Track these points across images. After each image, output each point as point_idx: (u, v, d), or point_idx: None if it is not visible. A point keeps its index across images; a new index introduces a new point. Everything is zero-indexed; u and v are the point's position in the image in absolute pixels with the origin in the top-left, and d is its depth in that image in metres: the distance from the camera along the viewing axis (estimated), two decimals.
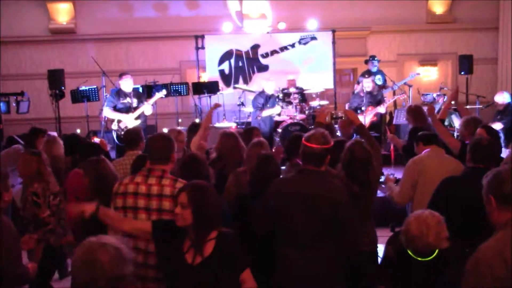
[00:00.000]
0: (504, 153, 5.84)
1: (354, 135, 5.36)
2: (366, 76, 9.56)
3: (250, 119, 9.33)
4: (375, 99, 9.17)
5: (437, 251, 2.85)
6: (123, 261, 2.14)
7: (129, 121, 7.78)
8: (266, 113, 8.90)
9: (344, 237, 3.17)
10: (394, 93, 10.13)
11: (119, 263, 2.13)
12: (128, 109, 7.83)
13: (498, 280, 2.21)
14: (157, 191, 3.25)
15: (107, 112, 7.95)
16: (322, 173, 3.26)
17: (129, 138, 5.25)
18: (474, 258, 2.31)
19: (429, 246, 2.84)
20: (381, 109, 9.08)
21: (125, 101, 7.87)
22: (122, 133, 7.67)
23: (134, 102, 7.87)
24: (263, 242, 3.39)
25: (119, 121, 7.84)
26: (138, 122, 7.75)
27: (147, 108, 7.94)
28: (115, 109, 7.86)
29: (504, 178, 2.36)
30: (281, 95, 9.24)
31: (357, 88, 9.62)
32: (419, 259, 2.88)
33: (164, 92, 8.33)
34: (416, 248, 2.87)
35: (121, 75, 7.98)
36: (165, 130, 8.60)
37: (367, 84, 9.14)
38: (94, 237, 2.19)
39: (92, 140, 6.80)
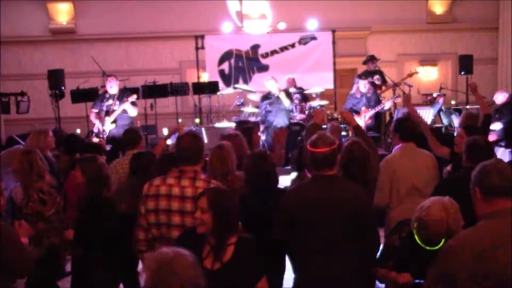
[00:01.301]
0: (500, 153, 5.83)
1: (343, 140, 5.35)
2: (363, 77, 9.57)
3: (250, 119, 9.27)
4: (370, 101, 9.18)
5: (443, 240, 2.83)
6: (199, 272, 2.13)
7: (106, 125, 7.75)
8: None
9: (365, 239, 3.12)
10: (394, 92, 10.11)
11: (196, 273, 2.11)
12: (109, 112, 7.80)
13: (465, 265, 2.27)
14: (191, 193, 3.15)
15: (91, 115, 7.94)
16: (338, 177, 3.25)
17: (129, 137, 5.18)
18: (449, 243, 2.42)
19: (448, 231, 2.77)
20: (361, 121, 8.86)
21: (107, 103, 7.84)
22: (101, 136, 7.65)
23: (116, 105, 7.82)
24: (267, 245, 3.37)
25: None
26: (113, 126, 7.67)
27: (129, 109, 7.86)
28: (99, 112, 7.83)
29: (490, 170, 2.44)
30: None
31: (353, 89, 9.63)
32: (427, 248, 2.84)
33: (134, 97, 7.88)
34: (431, 233, 2.81)
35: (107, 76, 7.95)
36: (165, 130, 8.61)
37: (362, 86, 9.15)
38: (167, 247, 2.18)
39: (91, 140, 6.83)
